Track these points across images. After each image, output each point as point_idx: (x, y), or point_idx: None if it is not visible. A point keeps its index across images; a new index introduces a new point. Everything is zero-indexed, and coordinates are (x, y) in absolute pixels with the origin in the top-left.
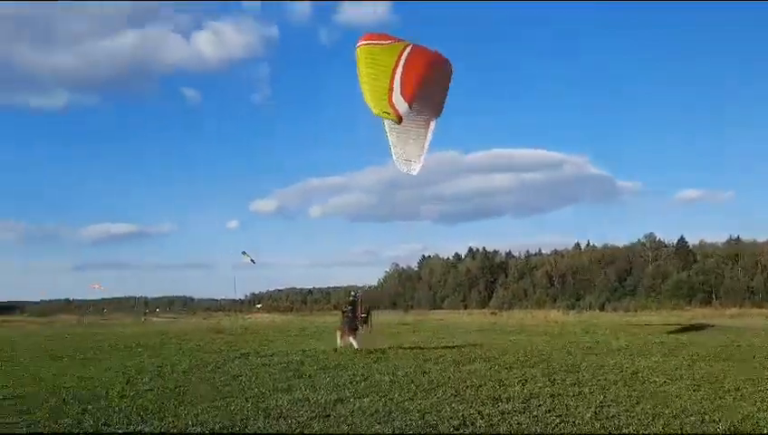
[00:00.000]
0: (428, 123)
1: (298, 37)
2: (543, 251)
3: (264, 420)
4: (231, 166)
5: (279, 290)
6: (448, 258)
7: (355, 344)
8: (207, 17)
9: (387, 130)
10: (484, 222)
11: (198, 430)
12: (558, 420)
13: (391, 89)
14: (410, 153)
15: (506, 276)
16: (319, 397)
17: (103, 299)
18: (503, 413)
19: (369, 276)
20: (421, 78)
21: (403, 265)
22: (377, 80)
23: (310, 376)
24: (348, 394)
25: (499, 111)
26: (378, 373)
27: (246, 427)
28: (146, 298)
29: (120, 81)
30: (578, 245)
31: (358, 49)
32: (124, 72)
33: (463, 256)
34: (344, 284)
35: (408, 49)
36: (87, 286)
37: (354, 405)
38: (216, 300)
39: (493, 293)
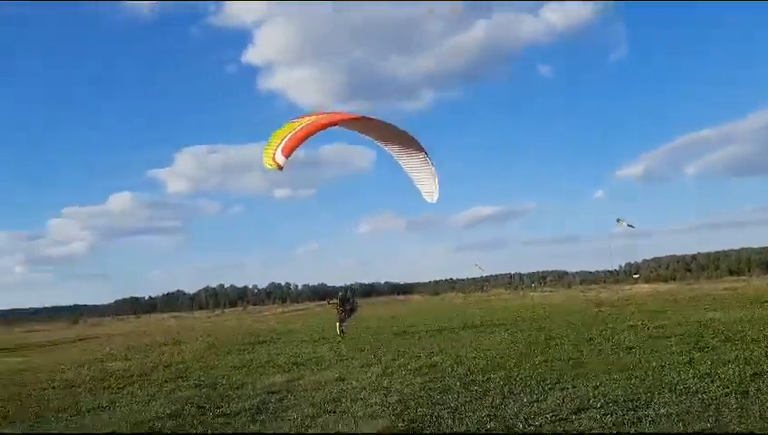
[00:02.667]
0: (426, 161)
1: None
2: None
3: (669, 395)
4: (589, 135)
5: (657, 258)
6: None
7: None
8: None
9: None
10: None
11: (600, 401)
12: None
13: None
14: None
15: None
16: (729, 372)
17: (483, 277)
18: None
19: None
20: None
21: None
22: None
23: (713, 349)
24: (766, 368)
25: None
26: None
27: (652, 401)
28: (520, 274)
29: (477, 71)
30: None
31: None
32: (480, 61)
33: None
34: (735, 247)
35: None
36: (467, 266)
37: None
38: (591, 272)
39: None
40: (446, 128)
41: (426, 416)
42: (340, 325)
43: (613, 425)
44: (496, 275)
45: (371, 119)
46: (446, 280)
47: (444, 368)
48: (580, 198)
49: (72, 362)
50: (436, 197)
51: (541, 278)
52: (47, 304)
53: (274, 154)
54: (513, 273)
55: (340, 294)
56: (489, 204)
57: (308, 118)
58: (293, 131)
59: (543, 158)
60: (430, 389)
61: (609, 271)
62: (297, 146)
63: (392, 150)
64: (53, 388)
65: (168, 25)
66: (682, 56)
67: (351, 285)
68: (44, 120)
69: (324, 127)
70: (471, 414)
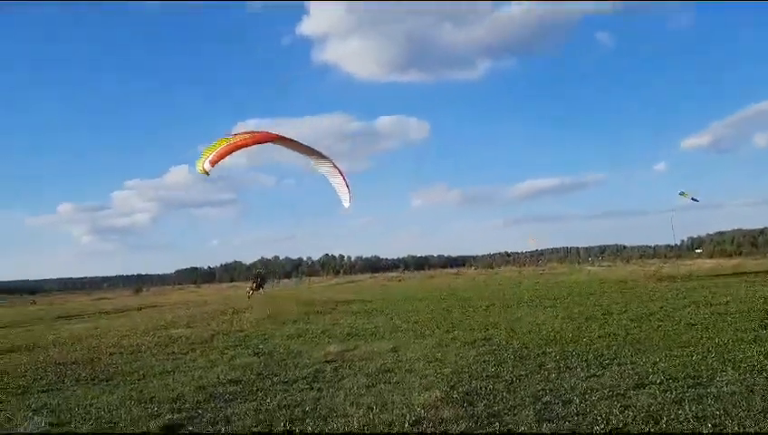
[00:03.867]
0: (336, 174)
1: None
2: None
3: (732, 373)
4: (651, 105)
5: (721, 232)
6: None
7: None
8: None
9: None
10: None
11: (660, 378)
12: None
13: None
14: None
15: None
16: None
17: (538, 251)
18: None
19: None
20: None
21: None
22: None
23: None
24: None
25: None
26: None
27: (714, 378)
28: (577, 248)
29: (532, 41)
30: None
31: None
32: (537, 29)
33: None
34: None
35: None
36: (522, 240)
37: None
38: (650, 247)
39: None
40: (502, 99)
41: (480, 388)
42: (251, 292)
43: (673, 402)
44: (552, 249)
45: (289, 139)
46: (500, 253)
47: (498, 341)
48: (641, 171)
49: (138, 329)
50: (347, 204)
51: (598, 252)
52: (112, 274)
53: (204, 162)
54: (569, 247)
55: (256, 271)
56: (546, 176)
57: (239, 136)
58: (222, 146)
59: (603, 129)
60: (484, 362)
61: (670, 245)
62: (221, 159)
63: (312, 162)
64: (121, 353)
65: None
66: (748, 22)
67: (267, 264)
68: (108, 99)
69: (246, 145)
70: (526, 387)
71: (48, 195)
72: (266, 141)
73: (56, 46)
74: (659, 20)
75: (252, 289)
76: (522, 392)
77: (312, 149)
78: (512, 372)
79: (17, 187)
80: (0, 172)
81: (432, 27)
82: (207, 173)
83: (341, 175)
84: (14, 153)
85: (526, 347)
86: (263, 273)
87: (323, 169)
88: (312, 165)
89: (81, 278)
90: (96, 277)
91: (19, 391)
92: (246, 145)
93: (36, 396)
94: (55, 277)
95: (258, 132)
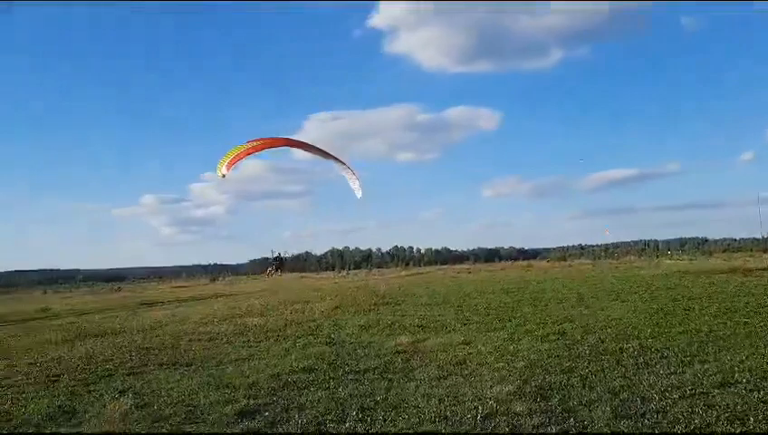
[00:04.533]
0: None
1: None
2: None
3: None
4: (737, 92)
5: None
6: None
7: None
8: None
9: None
10: None
11: (746, 377)
12: None
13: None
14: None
15: None
16: None
17: (612, 243)
18: None
19: None
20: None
21: None
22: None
23: None
24: None
25: None
26: None
27: None
28: (656, 241)
29: (608, 26)
30: None
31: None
32: (613, 16)
33: None
34: None
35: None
36: (596, 232)
37: None
38: (735, 240)
39: None
40: (575, 87)
41: (554, 383)
42: (272, 274)
43: (760, 401)
44: (628, 242)
45: (298, 142)
46: (573, 246)
47: (573, 336)
48: (725, 161)
49: (214, 317)
50: (359, 194)
51: (678, 245)
52: (190, 263)
53: (222, 166)
54: (646, 239)
55: (277, 254)
56: (621, 167)
57: (256, 141)
58: (240, 151)
59: (683, 117)
60: (558, 356)
61: (756, 239)
62: (237, 162)
63: (323, 158)
64: (199, 340)
65: None
66: None
67: (284, 253)
68: (186, 97)
69: (258, 150)
70: (602, 383)
71: (132, 187)
72: (276, 146)
73: (149, 45)
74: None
75: (272, 271)
76: (598, 388)
77: (320, 149)
78: (587, 368)
79: (105, 179)
80: (89, 166)
81: (503, 15)
82: (224, 175)
83: (351, 169)
84: (103, 148)
85: (602, 342)
86: (282, 256)
87: (337, 166)
88: (336, 168)
89: (161, 267)
90: (175, 266)
91: (106, 373)
92: (258, 150)
93: (122, 379)
94: (138, 266)
95: (268, 138)
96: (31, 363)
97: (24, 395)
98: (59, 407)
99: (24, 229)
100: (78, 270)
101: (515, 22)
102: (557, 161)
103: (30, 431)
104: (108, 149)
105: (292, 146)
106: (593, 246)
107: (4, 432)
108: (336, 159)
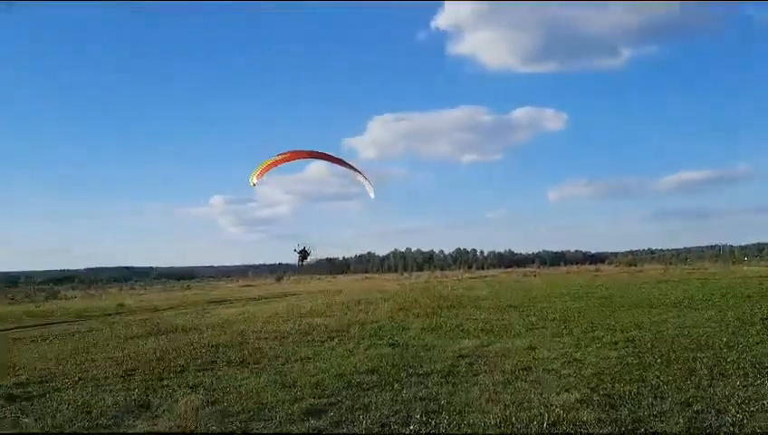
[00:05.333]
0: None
1: None
2: None
3: None
4: None
5: None
6: None
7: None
8: None
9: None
10: None
11: None
12: None
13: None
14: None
15: None
16: None
17: (685, 248)
18: None
19: None
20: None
21: None
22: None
23: None
24: None
25: None
26: None
27: None
28: (731, 246)
29: (681, 24)
30: None
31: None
32: (686, 13)
33: None
34: None
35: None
36: (667, 236)
37: None
38: None
39: None
40: (647, 86)
41: (623, 392)
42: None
43: None
44: (701, 247)
45: (321, 153)
46: (643, 250)
47: (643, 344)
48: None
49: (280, 316)
50: (372, 194)
51: (756, 251)
52: (257, 262)
53: (254, 176)
54: (721, 244)
55: (303, 248)
56: (696, 168)
57: (282, 155)
58: (267, 163)
59: (762, 116)
60: (627, 364)
61: None
62: (266, 172)
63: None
64: (266, 338)
65: None
66: None
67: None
68: (256, 101)
69: (285, 162)
70: (674, 394)
71: (202, 188)
72: (301, 158)
73: (226, 51)
74: None
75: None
76: (670, 399)
77: (340, 159)
78: (658, 377)
79: (178, 181)
80: (164, 167)
81: (570, 12)
82: (254, 185)
83: (364, 175)
84: (173, 151)
85: (674, 351)
86: (306, 249)
87: (353, 172)
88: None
89: (229, 266)
90: (242, 265)
91: (178, 369)
92: (285, 161)
93: (193, 375)
94: (207, 265)
95: (295, 151)
96: (108, 358)
97: (102, 388)
98: (134, 400)
99: (102, 227)
100: (152, 268)
101: (582, 19)
102: (626, 163)
103: (109, 423)
104: (180, 152)
105: (315, 158)
106: (664, 251)
107: (84, 425)
108: (351, 167)
